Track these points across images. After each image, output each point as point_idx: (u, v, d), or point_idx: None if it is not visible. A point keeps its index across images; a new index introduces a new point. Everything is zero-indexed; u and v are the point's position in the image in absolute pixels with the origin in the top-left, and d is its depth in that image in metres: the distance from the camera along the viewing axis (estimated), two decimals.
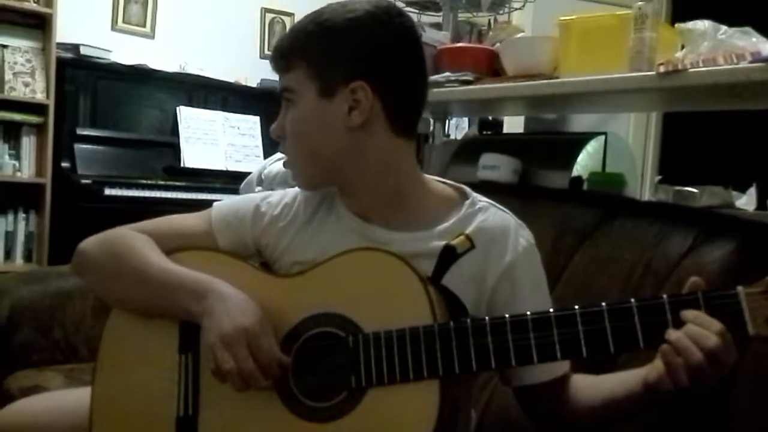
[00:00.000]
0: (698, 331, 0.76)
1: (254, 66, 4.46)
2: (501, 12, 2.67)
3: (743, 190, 1.88)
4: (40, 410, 1.11)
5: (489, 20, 2.64)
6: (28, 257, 3.56)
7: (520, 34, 2.05)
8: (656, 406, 0.87)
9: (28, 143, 3.54)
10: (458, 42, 2.24)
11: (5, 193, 3.47)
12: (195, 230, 1.08)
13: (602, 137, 2.02)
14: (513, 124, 2.87)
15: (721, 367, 0.76)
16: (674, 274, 1.15)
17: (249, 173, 2.29)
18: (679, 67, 1.36)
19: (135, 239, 1.05)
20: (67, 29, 3.67)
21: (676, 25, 1.48)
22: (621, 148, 2.13)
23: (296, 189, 1.10)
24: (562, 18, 1.70)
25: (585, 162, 1.94)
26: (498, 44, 1.96)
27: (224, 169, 3.92)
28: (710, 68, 1.33)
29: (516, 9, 2.67)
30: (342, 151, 0.99)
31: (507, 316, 0.84)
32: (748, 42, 1.33)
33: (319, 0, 1.06)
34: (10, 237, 3.53)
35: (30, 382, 1.51)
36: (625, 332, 0.79)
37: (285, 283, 0.99)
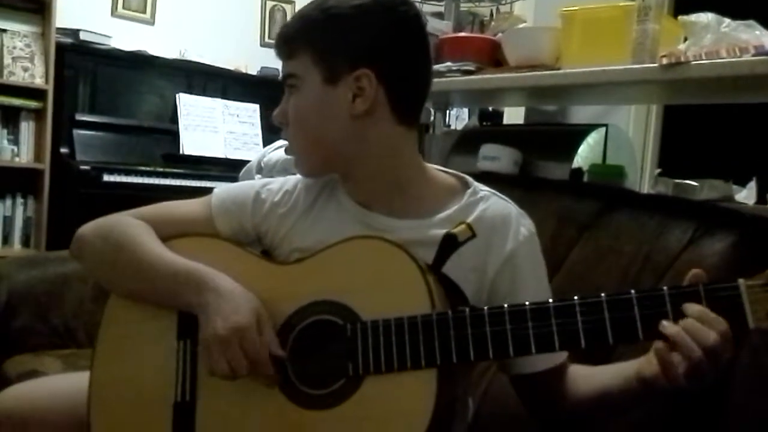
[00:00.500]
0: (699, 327, 0.75)
1: (254, 54, 4.45)
2: (503, 2, 2.66)
3: (743, 183, 1.88)
4: (37, 395, 1.11)
5: (491, 10, 2.63)
6: (26, 242, 3.56)
7: (523, 25, 2.04)
8: (652, 398, 0.87)
9: (26, 128, 3.53)
10: (460, 32, 2.24)
11: (3, 178, 3.47)
12: (195, 216, 1.08)
13: (603, 129, 2.01)
14: (513, 115, 2.86)
15: (719, 363, 0.75)
16: (674, 266, 1.15)
17: (248, 161, 2.29)
18: (682, 59, 1.36)
19: (134, 226, 1.05)
20: (66, 14, 3.65)
21: (679, 17, 1.47)
22: (621, 140, 2.13)
23: (297, 176, 1.10)
24: (565, 9, 1.69)
25: (585, 154, 1.94)
26: (500, 34, 1.95)
27: (223, 156, 3.92)
28: (713, 61, 1.33)
29: None
30: (344, 139, 0.99)
31: (506, 306, 0.83)
32: (751, 35, 1.32)
33: None
34: (8, 222, 3.53)
35: (27, 367, 1.51)
36: (625, 324, 0.78)
37: (284, 271, 0.99)
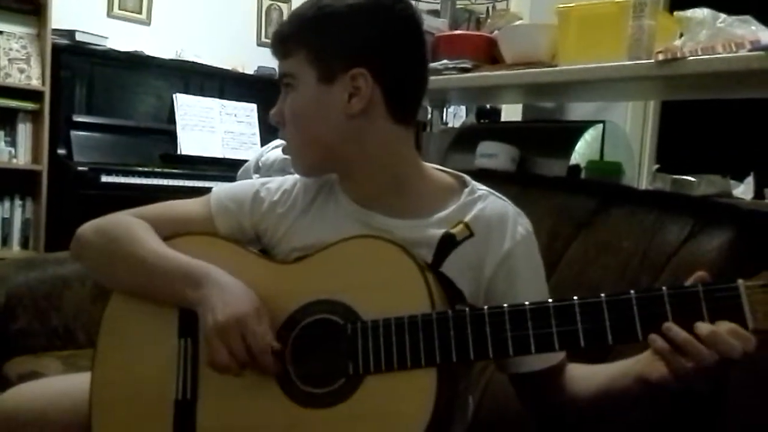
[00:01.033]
0: (726, 339, 0.73)
1: (251, 53, 4.44)
2: None
3: (741, 179, 1.89)
4: (37, 396, 1.11)
5: (487, 7, 2.63)
6: (24, 244, 3.56)
7: (519, 22, 2.04)
8: (651, 398, 0.87)
9: (23, 130, 3.53)
10: (456, 29, 2.24)
11: (1, 180, 3.47)
12: (194, 215, 1.08)
13: (600, 126, 2.02)
14: (511, 113, 2.86)
15: (730, 363, 0.75)
16: (671, 262, 1.15)
17: (246, 161, 2.30)
18: (678, 55, 1.36)
19: (133, 225, 1.05)
20: (62, 15, 3.65)
21: (674, 13, 1.48)
22: (619, 136, 2.14)
23: (295, 176, 1.10)
24: (561, 5, 1.69)
25: (583, 150, 1.94)
26: (496, 32, 1.95)
27: (221, 156, 3.91)
28: (709, 56, 1.33)
29: None
30: (341, 138, 0.98)
31: (505, 306, 0.84)
32: (747, 30, 1.32)
33: None
34: (6, 224, 3.53)
35: (28, 369, 1.51)
36: (624, 324, 0.78)
37: (284, 270, 0.99)
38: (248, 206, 1.08)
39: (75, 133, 3.53)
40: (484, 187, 1.05)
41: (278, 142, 2.14)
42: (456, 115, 3.94)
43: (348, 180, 1.04)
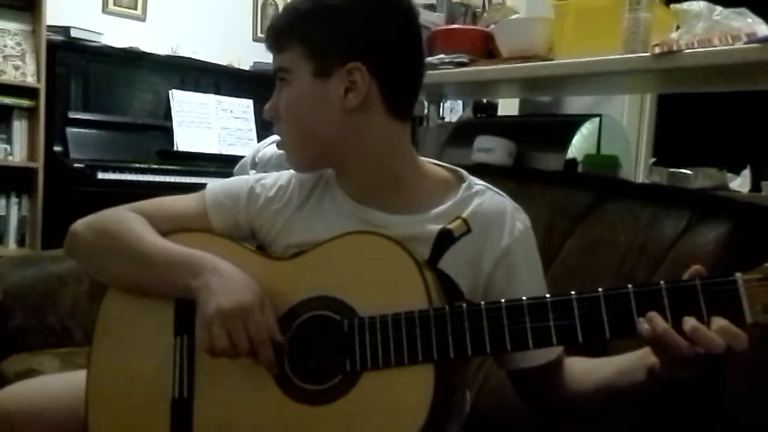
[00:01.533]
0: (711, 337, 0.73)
1: (247, 49, 4.43)
2: None
3: (737, 171, 1.89)
4: (35, 394, 1.11)
5: (483, 1, 2.61)
6: (21, 242, 3.55)
7: (515, 16, 2.03)
8: (653, 391, 0.87)
9: (19, 127, 3.51)
10: (452, 23, 2.23)
11: None
12: (189, 211, 1.08)
13: (597, 119, 2.02)
14: (508, 107, 2.86)
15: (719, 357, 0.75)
16: (668, 256, 1.15)
17: (243, 157, 2.29)
18: (674, 48, 1.36)
19: (128, 218, 1.05)
20: (57, 12, 3.63)
21: (671, 6, 1.48)
22: (615, 130, 2.13)
23: (291, 171, 1.09)
24: None
25: (579, 144, 1.94)
26: (493, 26, 1.95)
27: (218, 152, 3.90)
28: (705, 49, 1.33)
29: None
30: (337, 133, 0.98)
31: (503, 301, 0.83)
32: (743, 23, 1.32)
33: None
34: (2, 221, 3.51)
35: (25, 366, 1.51)
36: (622, 318, 0.78)
37: (280, 266, 0.98)
38: (243, 202, 1.08)
39: (71, 130, 3.52)
40: (482, 182, 1.04)
41: (275, 137, 2.13)
42: (453, 110, 3.93)
43: (344, 175, 1.03)
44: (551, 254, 1.30)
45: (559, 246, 1.33)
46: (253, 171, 2.14)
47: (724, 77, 1.55)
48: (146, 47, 3.90)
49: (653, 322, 0.76)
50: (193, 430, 0.94)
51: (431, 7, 2.43)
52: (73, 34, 3.62)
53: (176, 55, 4.04)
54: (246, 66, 4.33)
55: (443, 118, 3.31)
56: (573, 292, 0.81)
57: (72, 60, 3.60)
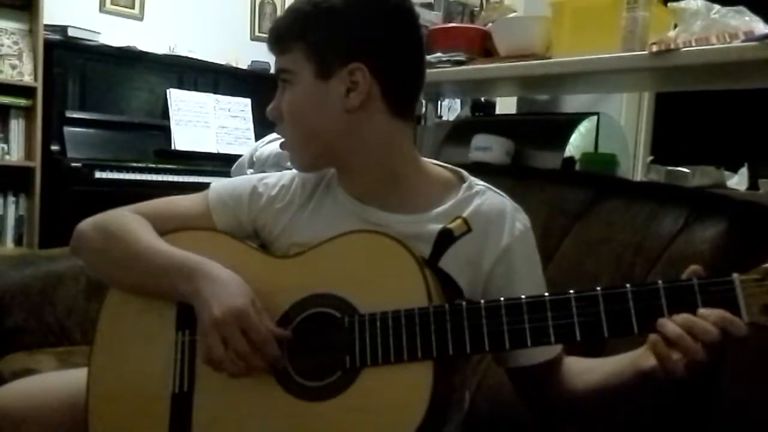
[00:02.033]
0: (700, 324, 0.75)
1: (245, 48, 4.43)
2: None
3: (735, 170, 1.89)
4: (33, 392, 1.11)
5: (481, 0, 2.62)
6: (18, 241, 3.55)
7: (513, 14, 2.03)
8: (646, 390, 0.87)
9: (16, 126, 3.51)
10: (450, 22, 2.23)
11: None
12: (192, 211, 1.08)
13: (594, 118, 2.02)
14: (505, 106, 2.86)
15: (716, 354, 0.76)
16: (666, 254, 1.15)
17: (240, 156, 2.29)
18: (672, 46, 1.36)
19: (130, 220, 1.05)
20: (54, 11, 3.63)
21: (668, 4, 1.48)
22: (613, 128, 2.14)
23: (293, 171, 1.10)
24: None
25: (577, 142, 1.94)
26: (490, 24, 1.95)
27: (216, 151, 3.91)
28: (703, 47, 1.33)
29: None
30: (339, 133, 0.98)
31: (502, 299, 0.84)
32: (741, 21, 1.32)
33: None
34: (0, 221, 3.51)
35: (22, 365, 1.51)
36: (620, 317, 0.79)
37: (282, 264, 0.99)
38: (246, 201, 1.08)
39: (68, 129, 3.52)
40: (482, 183, 1.05)
41: (272, 136, 2.14)
42: (450, 108, 3.93)
43: (346, 175, 1.04)
44: (549, 252, 1.30)
45: (557, 244, 1.33)
46: (251, 170, 2.14)
47: (721, 75, 1.56)
48: (144, 46, 3.90)
49: (665, 327, 0.76)
50: (192, 425, 0.94)
51: (429, 6, 2.44)
52: (71, 33, 3.62)
53: (174, 54, 4.04)
54: (244, 65, 4.33)
55: (441, 116, 3.31)
56: (572, 291, 0.81)
57: (69, 59, 3.60)
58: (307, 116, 0.99)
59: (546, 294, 0.83)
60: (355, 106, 0.96)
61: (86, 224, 1.09)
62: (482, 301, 0.85)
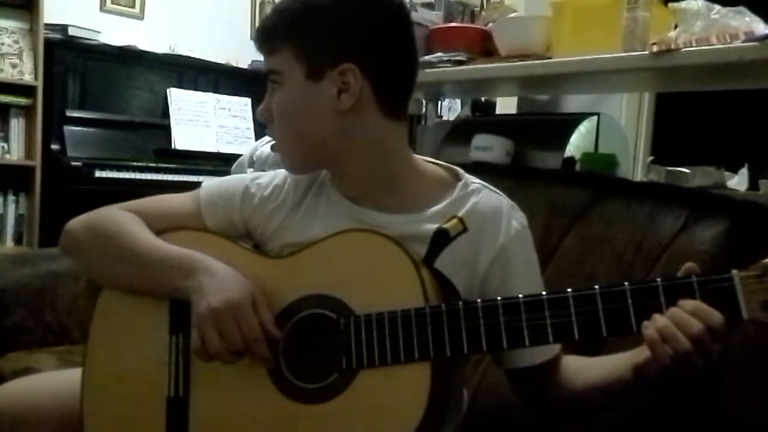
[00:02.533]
0: (686, 318, 0.75)
1: (245, 47, 4.41)
2: None
3: (735, 170, 1.89)
4: (32, 391, 1.11)
5: (482, 0, 2.62)
6: (18, 240, 3.55)
7: (513, 14, 2.03)
8: (644, 389, 0.87)
9: (16, 125, 3.51)
10: (451, 22, 2.23)
11: None
12: (183, 210, 1.07)
13: (595, 118, 2.02)
14: (505, 105, 2.86)
15: (708, 353, 0.75)
16: (666, 254, 1.15)
17: (240, 155, 2.28)
18: (672, 46, 1.36)
19: (122, 217, 1.05)
20: (54, 10, 3.63)
21: (669, 4, 1.47)
22: (613, 128, 2.14)
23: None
24: None
25: (577, 143, 1.94)
26: (491, 24, 1.94)
27: (216, 151, 3.90)
28: (703, 48, 1.33)
29: None
30: (331, 135, 0.97)
31: (499, 298, 0.83)
32: (741, 21, 1.32)
33: None
34: (0, 219, 3.51)
35: (22, 364, 1.51)
36: (618, 316, 0.78)
37: (276, 265, 0.98)
38: (238, 202, 1.07)
39: (68, 128, 3.52)
40: (478, 181, 1.04)
41: None
42: (451, 108, 3.93)
43: (339, 176, 1.03)
44: (549, 252, 1.30)
45: (557, 244, 1.33)
46: (251, 169, 2.14)
47: (722, 76, 1.56)
48: (144, 45, 3.90)
49: (656, 322, 0.76)
50: (189, 428, 0.94)
51: (429, 6, 2.43)
52: (71, 32, 3.62)
53: (174, 53, 4.04)
54: (244, 64, 4.32)
55: (441, 116, 3.31)
56: (570, 290, 0.81)
57: (69, 58, 3.60)
58: (298, 118, 0.97)
59: (544, 293, 0.82)
60: (346, 107, 0.94)
61: (76, 222, 1.08)
62: (479, 300, 0.85)
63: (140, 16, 4.18)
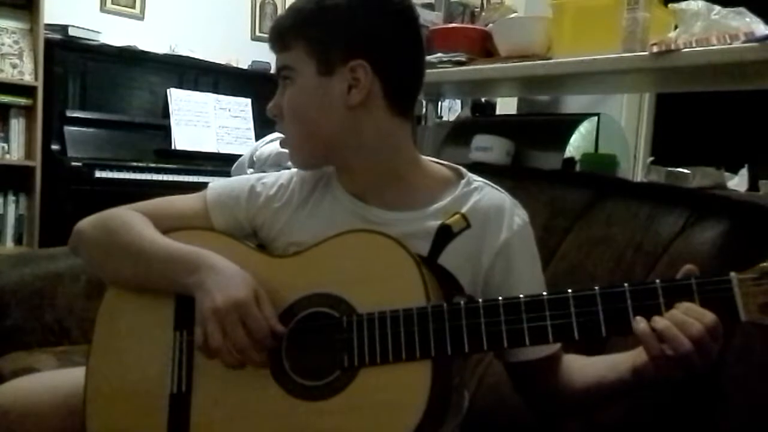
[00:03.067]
0: (686, 320, 0.75)
1: (245, 48, 4.43)
2: None
3: (735, 171, 1.89)
4: (33, 390, 1.11)
5: (482, 0, 2.62)
6: (18, 240, 3.55)
7: (513, 14, 2.03)
8: (643, 389, 0.87)
9: (16, 125, 3.51)
10: (451, 22, 2.23)
11: None
12: (190, 210, 1.08)
13: (595, 118, 2.02)
14: (506, 106, 2.86)
15: (708, 354, 0.76)
16: (666, 254, 1.16)
17: (240, 155, 2.29)
18: (673, 47, 1.36)
19: (130, 217, 1.06)
20: (54, 10, 3.63)
21: (669, 5, 1.48)
22: (613, 129, 2.14)
23: (292, 170, 1.10)
24: None
25: (578, 143, 1.94)
26: (491, 24, 1.95)
27: (216, 151, 3.90)
28: (703, 48, 1.33)
29: None
30: (340, 130, 0.98)
31: (500, 298, 0.84)
32: (741, 22, 1.32)
33: None
34: (0, 220, 3.51)
35: (22, 364, 1.50)
36: (618, 316, 0.79)
37: (280, 263, 0.99)
38: (244, 201, 1.08)
39: (68, 129, 3.52)
40: (481, 179, 1.05)
41: (273, 136, 2.14)
42: (451, 109, 3.93)
43: (345, 173, 1.04)
44: (549, 253, 1.30)
45: (557, 244, 1.33)
46: (251, 170, 2.14)
47: (722, 77, 1.56)
48: (144, 46, 3.90)
49: (657, 323, 0.77)
50: (191, 425, 0.94)
51: (429, 6, 2.44)
52: (71, 32, 3.62)
53: (174, 53, 4.04)
54: (244, 65, 4.33)
55: (441, 116, 3.31)
56: (570, 290, 0.81)
57: (70, 58, 3.60)
58: (308, 113, 0.99)
59: (544, 293, 0.83)
60: (356, 103, 0.96)
61: (86, 222, 1.09)
62: (480, 300, 0.85)
63: (140, 17, 4.18)
